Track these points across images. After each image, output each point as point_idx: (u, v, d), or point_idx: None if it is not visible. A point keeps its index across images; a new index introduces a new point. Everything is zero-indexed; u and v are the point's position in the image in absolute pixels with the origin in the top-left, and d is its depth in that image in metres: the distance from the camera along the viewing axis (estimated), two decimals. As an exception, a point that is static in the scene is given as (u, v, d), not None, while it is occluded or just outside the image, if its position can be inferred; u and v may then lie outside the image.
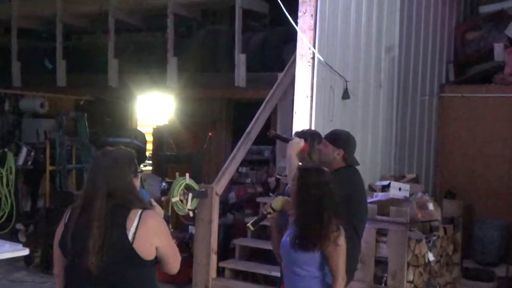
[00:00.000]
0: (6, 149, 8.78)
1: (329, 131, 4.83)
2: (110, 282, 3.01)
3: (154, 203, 3.30)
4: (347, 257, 4.56)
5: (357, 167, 4.71)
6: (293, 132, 5.79)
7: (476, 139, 8.99)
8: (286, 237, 3.86)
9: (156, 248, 3.06)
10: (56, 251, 3.17)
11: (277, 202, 4.03)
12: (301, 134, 5.44)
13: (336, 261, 3.70)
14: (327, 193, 3.76)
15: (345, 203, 4.44)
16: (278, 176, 5.68)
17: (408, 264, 6.52)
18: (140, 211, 3.03)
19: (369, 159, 7.48)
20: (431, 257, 6.79)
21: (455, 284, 7.43)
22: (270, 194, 7.37)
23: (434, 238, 6.90)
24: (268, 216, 4.04)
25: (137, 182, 3.18)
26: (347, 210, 4.49)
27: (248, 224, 4.30)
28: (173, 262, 3.18)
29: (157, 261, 3.12)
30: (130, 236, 2.97)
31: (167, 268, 3.19)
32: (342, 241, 3.72)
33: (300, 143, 4.63)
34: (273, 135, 4.96)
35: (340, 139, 4.61)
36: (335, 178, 4.50)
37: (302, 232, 3.73)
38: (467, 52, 9.45)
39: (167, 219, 7.10)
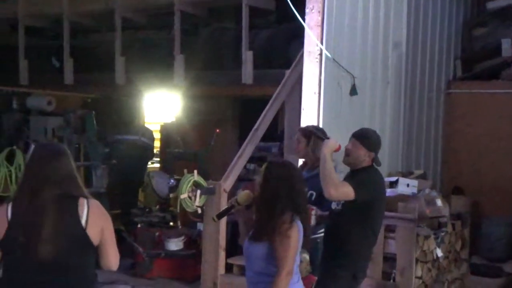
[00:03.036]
0: (14, 147, 8.81)
1: (361, 130, 4.79)
2: (64, 270, 3.09)
3: None
4: (361, 256, 4.54)
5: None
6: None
7: (483, 136, 8.97)
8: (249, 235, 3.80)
9: (102, 234, 3.16)
10: None
11: (243, 195, 3.92)
12: (304, 130, 5.44)
13: (281, 254, 3.59)
14: (286, 187, 3.68)
15: (368, 205, 4.45)
16: None
17: (417, 260, 6.52)
18: (85, 199, 3.16)
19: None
20: (439, 253, 6.79)
21: (463, 280, 7.43)
22: None
23: (442, 234, 6.90)
24: (233, 210, 3.96)
25: None
26: (368, 211, 4.50)
27: (213, 216, 4.28)
28: (114, 250, 3.26)
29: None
30: (83, 223, 3.08)
31: (107, 260, 3.24)
32: (293, 233, 3.61)
33: (336, 143, 4.55)
34: (310, 131, 4.86)
35: (373, 143, 4.59)
36: (364, 177, 4.49)
37: (255, 224, 3.70)
38: (474, 48, 9.45)
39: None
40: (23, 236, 3.05)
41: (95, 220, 3.13)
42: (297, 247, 3.66)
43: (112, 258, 3.26)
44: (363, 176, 4.51)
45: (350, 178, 4.54)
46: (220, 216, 4.31)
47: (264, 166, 3.83)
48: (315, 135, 4.98)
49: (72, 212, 3.08)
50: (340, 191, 4.35)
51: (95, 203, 3.20)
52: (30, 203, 3.10)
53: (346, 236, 4.51)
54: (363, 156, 4.52)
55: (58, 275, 3.09)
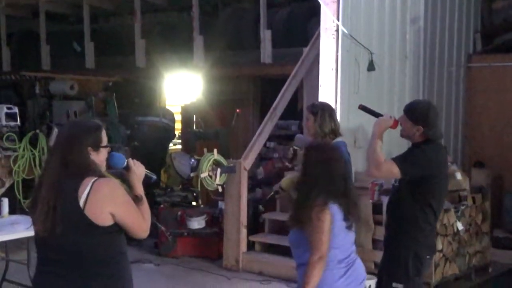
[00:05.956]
0: (38, 131, 8.93)
1: (409, 103, 4.50)
2: (65, 248, 3.09)
3: (131, 163, 3.32)
4: (421, 233, 4.21)
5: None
6: (305, 107, 5.73)
7: (504, 110, 8.93)
8: None
9: (112, 215, 3.10)
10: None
11: (286, 181, 3.95)
12: (312, 107, 5.36)
13: (313, 237, 3.54)
14: (324, 171, 3.63)
15: (422, 183, 4.15)
16: (295, 147, 5.55)
17: (437, 234, 6.52)
18: (93, 179, 3.07)
19: (396, 131, 7.45)
20: (460, 226, 6.78)
21: (485, 253, 7.41)
22: (287, 164, 7.37)
23: (463, 207, 6.89)
24: (276, 196, 3.94)
25: (100, 155, 3.20)
26: (422, 188, 4.18)
27: (259, 205, 4.25)
28: (134, 227, 3.20)
29: (120, 227, 3.15)
30: (81, 203, 3.03)
31: (131, 233, 3.21)
32: (325, 217, 3.54)
33: (390, 120, 4.29)
34: (362, 108, 4.58)
35: (418, 115, 4.23)
36: (414, 153, 4.21)
37: (291, 210, 3.68)
38: (494, 22, 9.37)
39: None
40: (32, 213, 3.14)
41: (96, 201, 3.05)
42: (330, 232, 3.56)
43: (137, 232, 3.22)
44: (410, 152, 4.26)
45: (401, 154, 4.29)
46: (266, 202, 4.22)
47: (303, 152, 3.78)
48: (367, 111, 4.56)
49: (72, 191, 3.05)
50: (384, 169, 4.12)
51: (102, 183, 3.08)
52: (41, 179, 3.17)
53: (404, 214, 4.25)
54: (411, 130, 4.23)
55: (59, 252, 3.11)
